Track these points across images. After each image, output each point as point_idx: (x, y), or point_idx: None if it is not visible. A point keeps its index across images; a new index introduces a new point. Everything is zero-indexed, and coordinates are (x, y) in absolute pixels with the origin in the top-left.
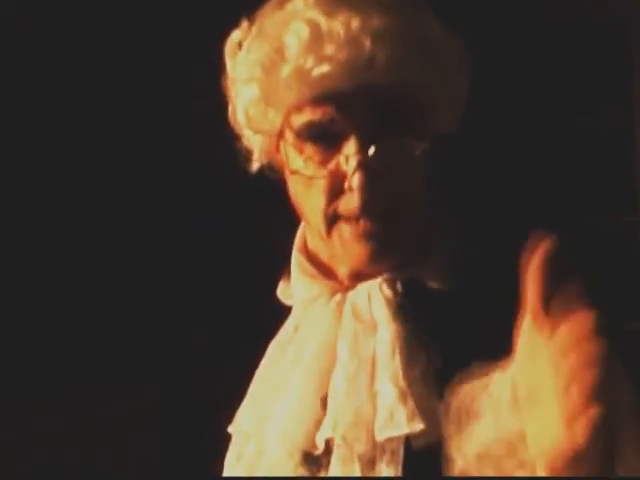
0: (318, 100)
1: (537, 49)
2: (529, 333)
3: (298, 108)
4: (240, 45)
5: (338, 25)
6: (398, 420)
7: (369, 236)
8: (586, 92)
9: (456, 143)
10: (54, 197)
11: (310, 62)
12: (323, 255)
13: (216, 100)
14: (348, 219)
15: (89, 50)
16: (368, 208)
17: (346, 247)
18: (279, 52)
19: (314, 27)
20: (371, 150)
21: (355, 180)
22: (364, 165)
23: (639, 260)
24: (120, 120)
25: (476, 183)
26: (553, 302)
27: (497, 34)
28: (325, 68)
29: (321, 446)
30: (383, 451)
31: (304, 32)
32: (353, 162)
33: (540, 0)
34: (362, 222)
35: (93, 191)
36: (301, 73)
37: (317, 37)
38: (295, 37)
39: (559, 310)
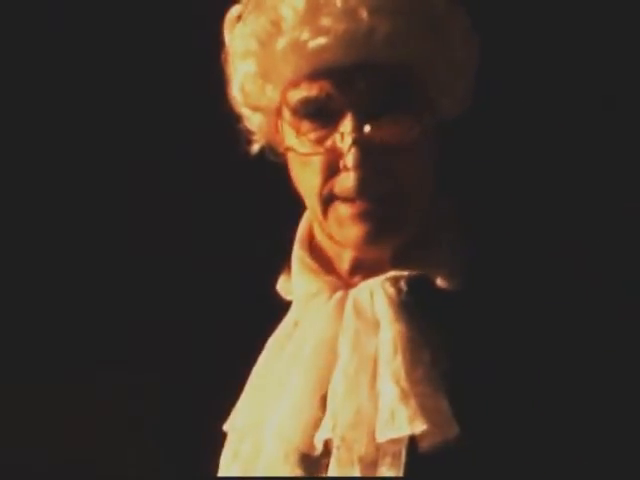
0: (315, 75)
1: (556, 23)
2: None
3: (295, 84)
4: (240, 19)
5: None
6: (399, 420)
7: (365, 216)
8: (613, 67)
9: (467, 129)
10: (48, 187)
11: (306, 34)
12: (328, 249)
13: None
14: (344, 199)
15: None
16: (364, 188)
17: (342, 227)
18: (275, 24)
19: None
20: (367, 128)
21: (350, 158)
22: (360, 143)
23: None
24: (120, 100)
25: (489, 175)
26: None
27: (510, 8)
28: (321, 40)
29: (319, 447)
30: (385, 453)
31: (300, 3)
32: (349, 140)
33: None
34: (358, 202)
35: (90, 177)
36: (297, 46)
37: (313, 8)
38: (291, 8)
39: None
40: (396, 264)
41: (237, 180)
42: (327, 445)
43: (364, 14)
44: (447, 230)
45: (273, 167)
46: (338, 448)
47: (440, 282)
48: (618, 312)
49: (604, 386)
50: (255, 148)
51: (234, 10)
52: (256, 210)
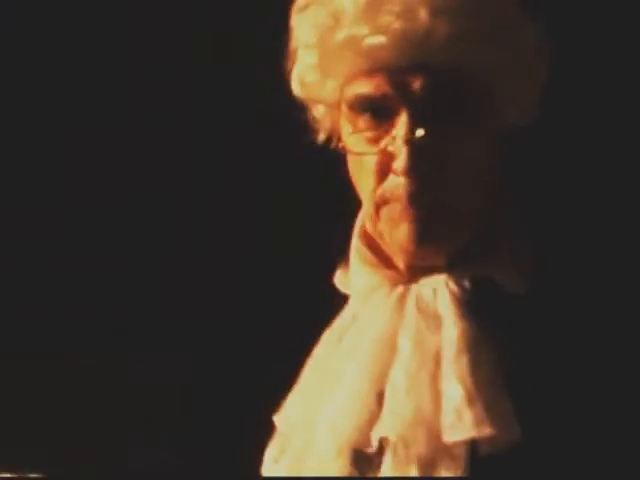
0: (372, 72)
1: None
2: None
3: (352, 79)
4: (307, 9)
5: None
6: (466, 423)
7: (416, 221)
8: None
9: (536, 132)
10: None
11: (364, 31)
12: (384, 246)
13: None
14: (396, 204)
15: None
16: (415, 193)
17: (393, 228)
18: (335, 18)
19: None
20: (420, 132)
21: (401, 163)
22: (412, 148)
23: None
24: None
25: (556, 179)
26: None
27: (587, 16)
28: (378, 38)
29: (375, 444)
30: (444, 455)
31: None
32: (401, 143)
33: None
34: (411, 209)
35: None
36: (354, 41)
37: (373, 5)
38: (351, 3)
39: None
40: (456, 266)
41: (298, 176)
42: (381, 443)
43: (424, 14)
44: (511, 235)
45: (333, 162)
46: (395, 446)
47: (504, 284)
48: None
49: None
50: (321, 137)
51: (302, 0)
52: (318, 202)
